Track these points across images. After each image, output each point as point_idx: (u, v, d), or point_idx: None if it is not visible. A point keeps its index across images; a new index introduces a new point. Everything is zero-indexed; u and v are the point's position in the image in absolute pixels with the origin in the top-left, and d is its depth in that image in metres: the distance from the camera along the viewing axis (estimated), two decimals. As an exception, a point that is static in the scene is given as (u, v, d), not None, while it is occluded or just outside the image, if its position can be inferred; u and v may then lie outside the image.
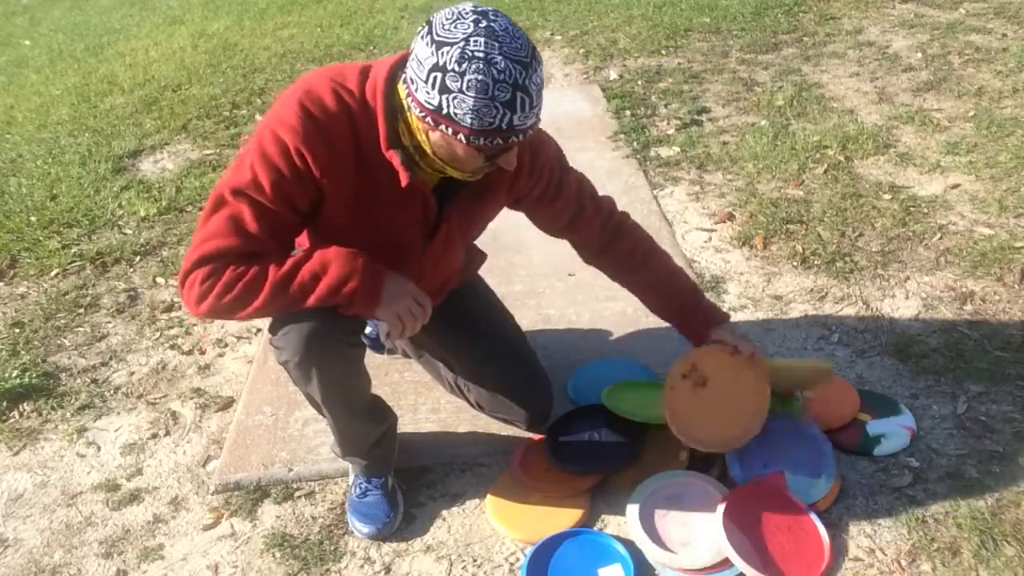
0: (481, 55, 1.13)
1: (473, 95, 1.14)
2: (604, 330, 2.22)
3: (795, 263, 2.49)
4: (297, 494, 1.80)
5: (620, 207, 1.72)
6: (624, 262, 1.70)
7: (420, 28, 1.20)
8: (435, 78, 1.16)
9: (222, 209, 1.31)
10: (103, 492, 1.87)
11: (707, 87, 3.94)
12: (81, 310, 2.58)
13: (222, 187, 1.31)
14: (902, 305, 2.27)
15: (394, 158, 1.31)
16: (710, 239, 2.66)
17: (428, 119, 1.21)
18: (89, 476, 1.92)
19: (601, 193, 1.68)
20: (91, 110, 4.40)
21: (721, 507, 1.58)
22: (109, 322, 2.51)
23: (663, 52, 4.46)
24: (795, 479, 1.65)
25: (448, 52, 1.14)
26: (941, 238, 2.56)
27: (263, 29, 5.74)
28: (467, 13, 1.16)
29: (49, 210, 3.21)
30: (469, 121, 1.17)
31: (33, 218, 3.16)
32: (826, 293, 2.34)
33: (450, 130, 1.20)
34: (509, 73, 1.14)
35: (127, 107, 4.36)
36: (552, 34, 4.97)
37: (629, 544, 1.58)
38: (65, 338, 2.45)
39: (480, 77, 1.13)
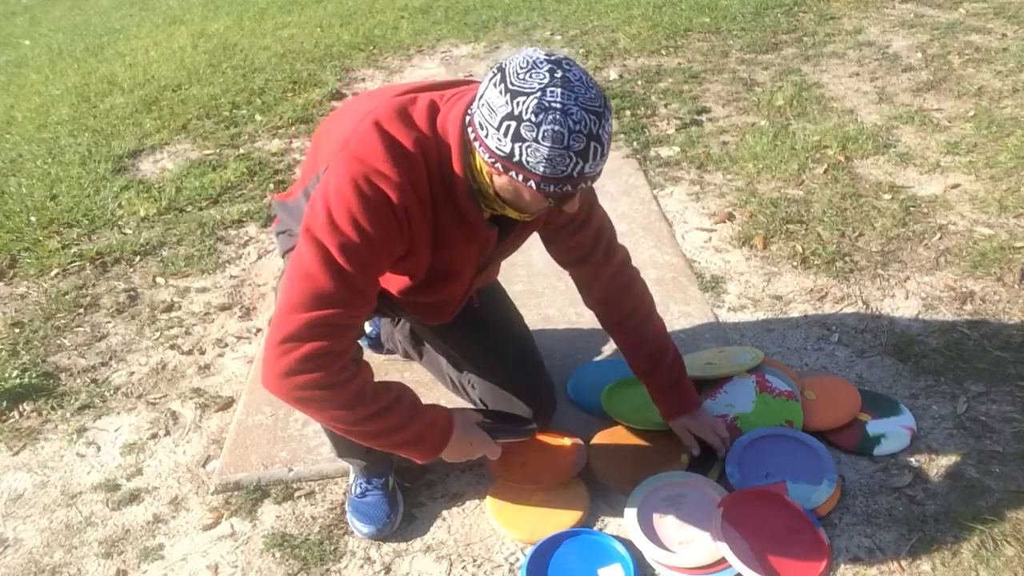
0: (558, 106, 1.13)
1: (548, 145, 1.14)
2: (604, 330, 2.22)
3: (795, 263, 2.49)
4: (297, 494, 1.80)
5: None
6: (622, 321, 1.73)
7: (491, 74, 1.20)
8: (508, 127, 1.16)
9: (329, 266, 1.25)
10: (103, 492, 1.87)
11: (707, 87, 3.94)
12: (81, 310, 2.58)
13: (325, 240, 1.25)
14: (902, 305, 2.27)
15: (471, 207, 1.34)
16: (710, 239, 2.66)
17: (498, 165, 1.21)
18: (89, 476, 1.92)
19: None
20: (91, 110, 4.40)
21: (720, 508, 1.58)
22: (109, 322, 2.51)
23: (663, 52, 4.46)
24: (796, 487, 1.66)
25: (524, 103, 1.14)
26: (941, 238, 2.56)
27: (263, 29, 5.74)
28: (542, 63, 1.16)
29: (49, 210, 3.21)
30: (542, 170, 1.17)
31: (33, 218, 3.16)
32: (826, 293, 2.34)
33: (520, 176, 1.20)
34: (584, 124, 1.15)
35: (127, 107, 4.36)
36: (552, 34, 4.97)
37: (629, 544, 1.58)
38: (65, 338, 2.45)
39: (556, 128, 1.13)
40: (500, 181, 1.26)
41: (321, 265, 1.25)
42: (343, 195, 1.25)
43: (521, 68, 1.16)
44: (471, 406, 1.91)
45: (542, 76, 1.15)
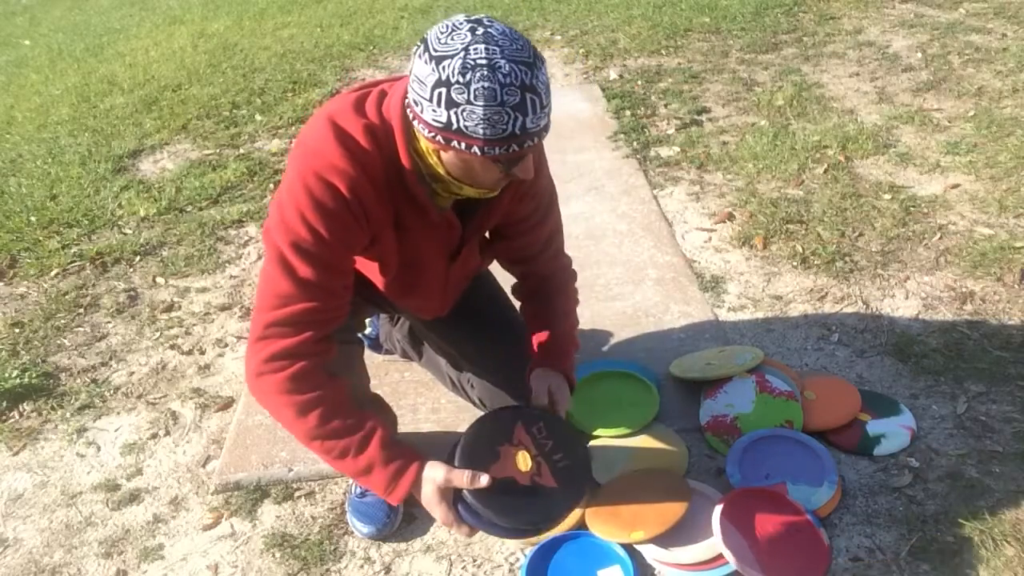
0: (484, 62, 1.09)
1: (482, 104, 1.09)
2: (604, 330, 2.22)
3: (795, 263, 2.49)
4: (297, 494, 1.80)
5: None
6: (537, 313, 1.68)
7: (415, 47, 1.17)
8: (439, 94, 1.11)
9: (283, 265, 1.25)
10: (103, 492, 1.87)
11: (707, 87, 3.94)
12: (81, 310, 2.58)
13: (279, 240, 1.25)
14: (902, 305, 2.27)
15: (421, 193, 1.29)
16: (710, 239, 2.66)
17: (439, 138, 1.16)
18: (89, 476, 1.92)
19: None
20: (91, 110, 4.40)
21: (719, 506, 1.58)
22: (109, 322, 2.51)
23: (663, 52, 4.46)
24: (797, 488, 1.66)
25: (449, 65, 1.10)
26: (941, 238, 2.56)
27: (263, 29, 5.74)
28: (461, 23, 1.13)
29: (49, 210, 3.21)
30: (482, 131, 1.12)
31: (33, 218, 3.16)
32: (826, 293, 2.34)
33: (463, 145, 1.15)
34: (515, 75, 1.10)
35: (127, 107, 4.36)
36: (552, 34, 4.97)
37: (628, 545, 1.58)
38: (65, 338, 2.45)
39: (487, 84, 1.09)
40: (447, 157, 1.22)
41: (276, 265, 1.25)
42: (293, 194, 1.24)
43: (442, 33, 1.12)
44: (471, 407, 1.90)
45: (463, 36, 1.10)
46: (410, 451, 1.34)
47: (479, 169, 1.21)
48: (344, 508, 1.73)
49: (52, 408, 2.15)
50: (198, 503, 1.81)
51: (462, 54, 1.09)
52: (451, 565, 1.61)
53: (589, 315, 2.29)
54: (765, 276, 2.45)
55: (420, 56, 1.13)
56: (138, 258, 2.85)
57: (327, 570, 1.62)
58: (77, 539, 1.75)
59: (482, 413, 1.74)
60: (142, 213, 3.13)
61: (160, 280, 2.71)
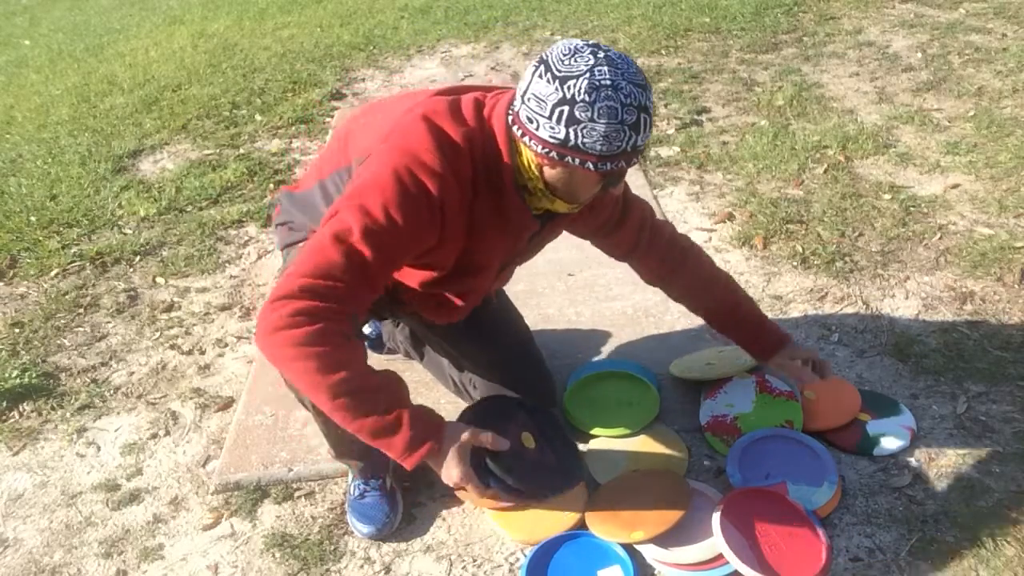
0: (608, 83, 1.16)
1: (604, 122, 1.17)
2: (604, 330, 2.23)
3: (795, 263, 2.49)
4: (297, 494, 1.80)
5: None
6: (683, 295, 1.79)
7: (533, 68, 1.23)
8: (561, 112, 1.18)
9: (343, 243, 1.25)
10: (103, 492, 1.87)
11: (707, 87, 3.94)
12: (81, 310, 2.58)
13: (350, 219, 1.25)
14: (902, 305, 2.27)
15: (515, 199, 1.35)
16: (710, 239, 2.66)
17: (552, 154, 1.23)
18: (89, 476, 1.92)
19: None
20: (91, 110, 4.40)
21: (719, 506, 1.58)
22: (109, 322, 2.51)
23: (663, 52, 4.46)
24: (797, 488, 1.66)
25: (575, 85, 1.17)
26: (941, 238, 2.56)
27: (263, 29, 5.74)
28: (583, 47, 1.20)
29: (49, 210, 3.21)
30: (599, 148, 1.19)
31: (33, 218, 3.16)
32: (826, 293, 2.34)
33: (576, 160, 1.22)
34: (634, 97, 1.18)
35: (127, 107, 4.36)
36: (552, 34, 4.97)
37: (628, 545, 1.57)
38: (65, 338, 2.45)
39: (610, 104, 1.17)
40: (551, 173, 1.28)
41: (333, 240, 1.25)
42: (380, 183, 1.26)
43: (564, 55, 1.19)
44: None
45: (587, 58, 1.18)
46: (433, 413, 1.35)
47: (582, 184, 1.28)
48: (344, 508, 1.73)
49: (52, 408, 2.15)
50: (198, 503, 1.81)
51: (588, 75, 1.17)
52: (451, 565, 1.61)
53: (589, 315, 2.29)
54: (765, 276, 2.45)
55: (541, 76, 1.20)
56: (138, 258, 2.85)
57: (327, 570, 1.62)
58: (77, 539, 1.75)
59: (482, 397, 1.77)
60: (142, 213, 3.13)
61: (160, 280, 2.71)
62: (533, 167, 1.30)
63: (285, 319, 1.21)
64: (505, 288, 1.94)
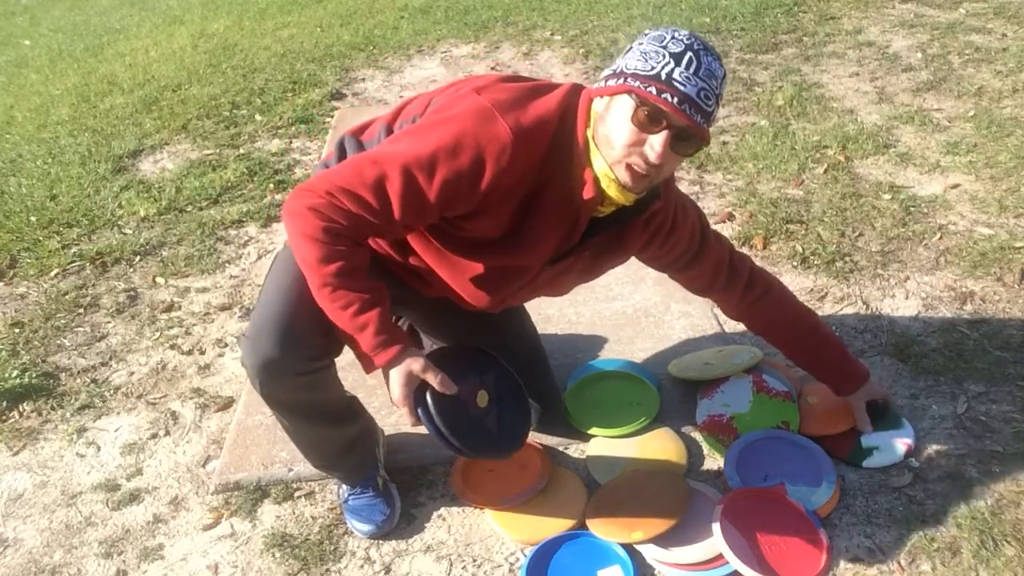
0: (676, 35, 1.22)
1: (648, 42, 1.22)
2: (604, 330, 2.23)
3: (795, 263, 2.49)
4: (297, 494, 1.80)
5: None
6: (766, 330, 1.78)
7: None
8: (627, 49, 1.25)
9: (381, 170, 1.25)
10: (103, 492, 1.87)
11: (707, 87, 3.93)
12: (81, 310, 2.58)
13: (398, 148, 1.27)
14: (902, 305, 2.27)
15: (588, 173, 1.32)
16: (710, 239, 2.66)
17: (605, 83, 1.26)
18: (89, 476, 1.92)
19: None
20: (91, 110, 4.40)
21: (719, 506, 1.58)
22: (109, 322, 2.51)
23: (663, 52, 4.46)
24: (796, 489, 1.65)
25: (650, 35, 1.24)
26: (941, 238, 2.56)
27: (263, 29, 5.74)
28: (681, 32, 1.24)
29: (49, 210, 3.21)
30: (634, 65, 1.21)
31: (33, 218, 3.16)
32: (826, 293, 2.34)
33: (615, 81, 1.23)
34: (692, 42, 1.21)
35: (127, 107, 4.36)
36: (552, 34, 4.97)
37: (628, 545, 1.58)
38: (65, 338, 2.45)
39: (661, 33, 1.22)
40: (598, 113, 1.28)
41: (372, 161, 1.26)
42: (446, 129, 1.25)
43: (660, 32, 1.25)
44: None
45: (677, 33, 1.23)
46: (401, 333, 1.34)
47: (618, 121, 1.24)
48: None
49: (52, 408, 2.15)
50: (198, 503, 1.81)
51: (667, 33, 1.24)
52: (451, 565, 1.61)
53: (589, 315, 2.29)
54: (765, 276, 2.44)
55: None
56: (138, 258, 2.85)
57: (327, 570, 1.62)
58: (77, 539, 1.75)
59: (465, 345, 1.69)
60: (142, 213, 3.13)
61: (160, 280, 2.71)
62: (591, 129, 1.30)
63: (303, 210, 1.26)
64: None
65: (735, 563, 1.49)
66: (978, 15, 4.61)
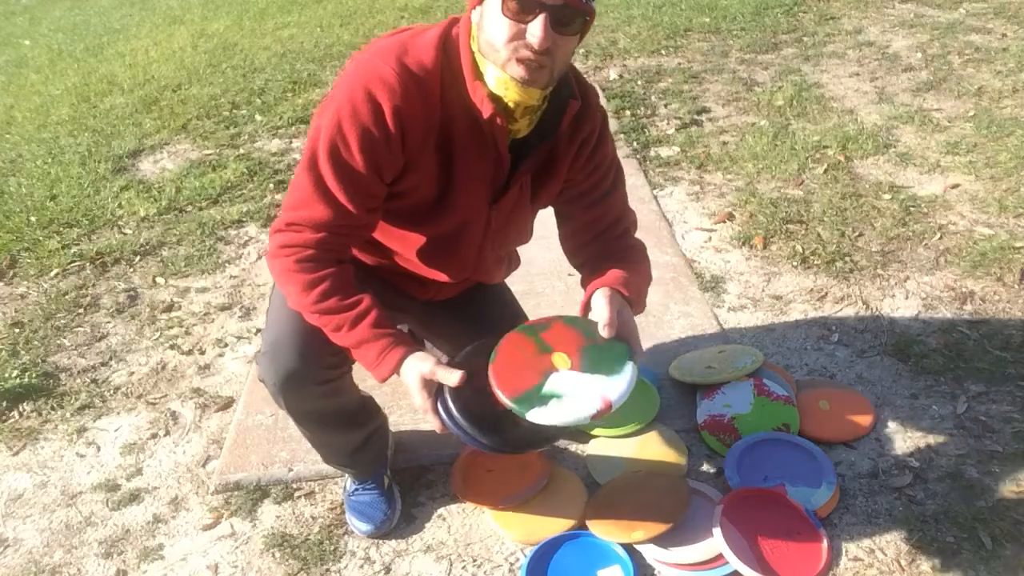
0: None
1: None
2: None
3: (795, 263, 2.49)
4: (297, 494, 1.80)
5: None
6: (600, 264, 1.51)
7: None
8: None
9: (314, 170, 1.27)
10: (103, 492, 1.87)
11: (707, 87, 3.94)
12: (81, 310, 2.58)
13: (314, 143, 1.27)
14: (902, 305, 2.27)
15: (478, 89, 1.26)
16: (710, 239, 2.66)
17: None
18: (89, 476, 1.92)
19: None
20: (91, 110, 4.40)
21: (719, 507, 1.58)
22: (109, 322, 2.51)
23: (663, 52, 4.46)
24: (796, 490, 1.65)
25: None
26: (941, 238, 2.56)
27: (263, 29, 5.74)
28: None
29: (49, 210, 3.21)
30: None
31: (33, 218, 3.16)
32: (826, 293, 2.34)
33: None
34: None
35: (127, 107, 4.36)
36: (552, 34, 4.96)
37: (628, 545, 1.58)
38: (65, 338, 2.45)
39: None
40: (476, 17, 1.23)
41: (305, 167, 1.28)
42: (337, 101, 1.25)
43: None
44: None
45: None
46: (400, 336, 1.32)
47: (493, 22, 1.19)
48: (344, 507, 1.73)
49: (52, 408, 2.15)
50: (198, 503, 1.81)
51: None
52: (451, 565, 1.61)
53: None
54: (765, 276, 2.45)
55: None
56: (138, 258, 2.84)
57: (327, 570, 1.62)
58: (77, 539, 1.75)
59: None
60: (142, 213, 3.13)
61: (160, 280, 2.71)
62: (475, 39, 1.25)
63: (278, 249, 1.30)
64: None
65: (735, 563, 1.49)
66: (978, 15, 4.61)
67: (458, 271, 1.52)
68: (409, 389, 1.30)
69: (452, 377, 1.26)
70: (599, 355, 1.26)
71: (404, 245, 1.47)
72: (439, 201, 1.38)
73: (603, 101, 3.67)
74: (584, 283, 1.51)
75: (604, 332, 1.32)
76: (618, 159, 1.52)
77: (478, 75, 1.26)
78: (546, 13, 1.15)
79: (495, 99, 1.26)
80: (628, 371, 1.24)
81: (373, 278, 1.50)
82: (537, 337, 1.29)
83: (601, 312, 1.34)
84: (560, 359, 1.26)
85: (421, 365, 1.28)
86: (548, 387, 1.22)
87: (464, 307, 1.67)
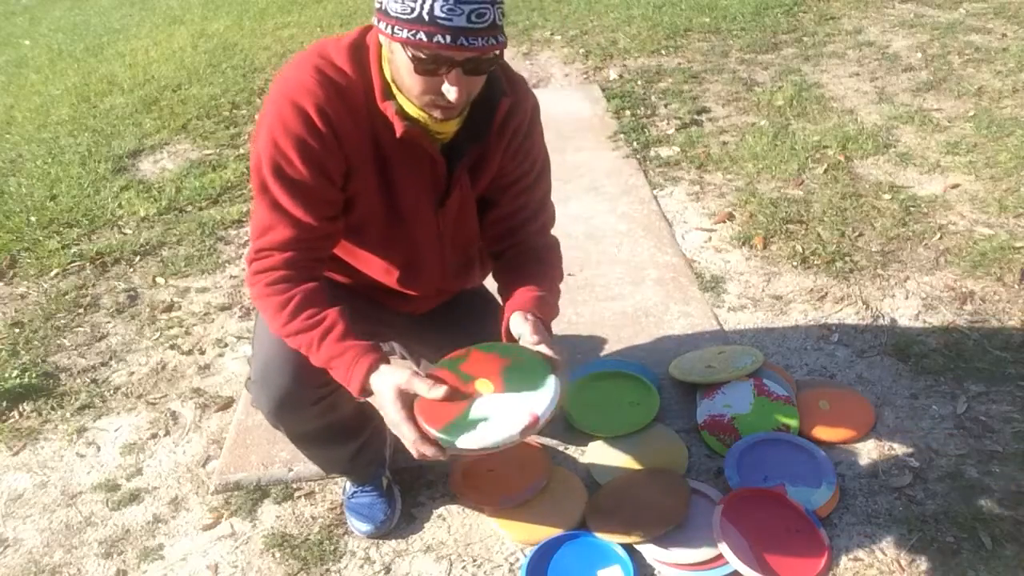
0: None
1: None
2: (604, 330, 2.22)
3: (795, 263, 2.49)
4: (297, 494, 1.80)
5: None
6: (519, 273, 1.50)
7: None
8: None
9: (266, 191, 1.27)
10: (103, 492, 1.87)
11: (707, 87, 3.94)
12: (81, 310, 2.58)
13: (257, 169, 1.27)
14: (902, 305, 2.27)
15: (388, 108, 1.25)
16: (710, 239, 2.66)
17: (377, 23, 1.15)
18: (89, 476, 1.92)
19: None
20: (91, 110, 4.40)
21: (719, 507, 1.58)
22: (109, 322, 2.51)
23: (663, 52, 4.46)
24: (796, 490, 1.65)
25: None
26: (941, 238, 2.56)
27: (263, 29, 5.74)
28: None
29: (49, 210, 3.21)
30: (394, 8, 1.09)
31: (33, 218, 3.16)
32: (826, 293, 2.34)
33: (384, 26, 1.12)
34: None
35: (127, 107, 4.36)
36: (552, 34, 4.97)
37: (628, 546, 1.58)
38: (65, 338, 2.45)
39: None
40: (389, 61, 1.20)
41: (258, 194, 1.28)
42: (266, 120, 1.24)
43: None
44: None
45: None
46: (369, 346, 1.26)
47: (403, 74, 1.17)
48: (344, 507, 1.73)
49: (52, 408, 2.15)
50: (198, 503, 1.81)
51: None
52: (451, 565, 1.61)
53: (589, 315, 2.29)
54: (765, 276, 2.45)
55: None
56: (138, 258, 2.85)
57: (327, 570, 1.62)
58: (77, 539, 1.75)
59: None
60: (142, 213, 3.13)
61: (160, 280, 2.71)
62: (387, 63, 1.22)
63: (249, 277, 1.32)
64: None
65: (735, 563, 1.49)
66: (978, 15, 4.61)
67: (427, 284, 1.52)
68: (382, 403, 1.20)
69: (436, 392, 1.18)
70: (521, 374, 1.25)
71: (371, 267, 1.48)
72: (388, 213, 1.38)
73: (603, 102, 3.65)
74: (502, 297, 1.49)
75: (536, 348, 1.28)
76: (546, 152, 1.50)
77: (388, 95, 1.25)
78: (457, 68, 1.14)
79: (407, 116, 1.26)
80: (551, 384, 1.22)
81: (355, 296, 1.50)
82: (456, 369, 1.27)
83: (524, 335, 1.30)
84: (483, 384, 1.24)
85: (395, 375, 1.20)
86: (474, 412, 1.19)
87: (448, 315, 1.66)
